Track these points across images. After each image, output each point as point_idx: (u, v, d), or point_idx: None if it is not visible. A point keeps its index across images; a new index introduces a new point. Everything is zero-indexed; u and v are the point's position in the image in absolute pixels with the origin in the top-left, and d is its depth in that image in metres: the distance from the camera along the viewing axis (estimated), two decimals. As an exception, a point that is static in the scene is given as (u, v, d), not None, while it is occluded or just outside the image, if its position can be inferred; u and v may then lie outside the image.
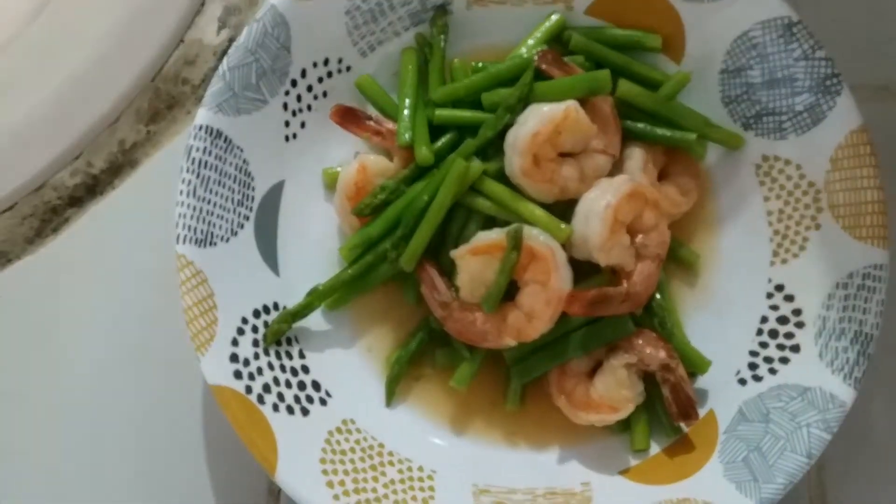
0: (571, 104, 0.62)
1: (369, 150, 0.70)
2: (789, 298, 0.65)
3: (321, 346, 0.66)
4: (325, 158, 0.70)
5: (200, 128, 0.63)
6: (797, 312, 0.64)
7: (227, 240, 0.64)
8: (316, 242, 0.68)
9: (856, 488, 0.67)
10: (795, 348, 0.63)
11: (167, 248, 0.63)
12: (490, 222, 0.65)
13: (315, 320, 0.67)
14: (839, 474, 0.68)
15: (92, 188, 0.75)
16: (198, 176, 0.63)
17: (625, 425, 0.65)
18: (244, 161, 0.66)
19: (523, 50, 0.68)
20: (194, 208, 0.63)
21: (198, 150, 0.63)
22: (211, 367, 0.60)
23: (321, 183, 0.70)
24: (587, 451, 0.65)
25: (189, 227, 0.62)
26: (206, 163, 0.63)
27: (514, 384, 0.65)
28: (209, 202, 0.63)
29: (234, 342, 0.62)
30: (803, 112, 0.65)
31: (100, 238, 0.74)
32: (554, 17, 0.69)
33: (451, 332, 0.64)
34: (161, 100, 0.75)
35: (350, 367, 0.66)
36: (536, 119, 0.63)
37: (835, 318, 0.62)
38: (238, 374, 0.61)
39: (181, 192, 0.62)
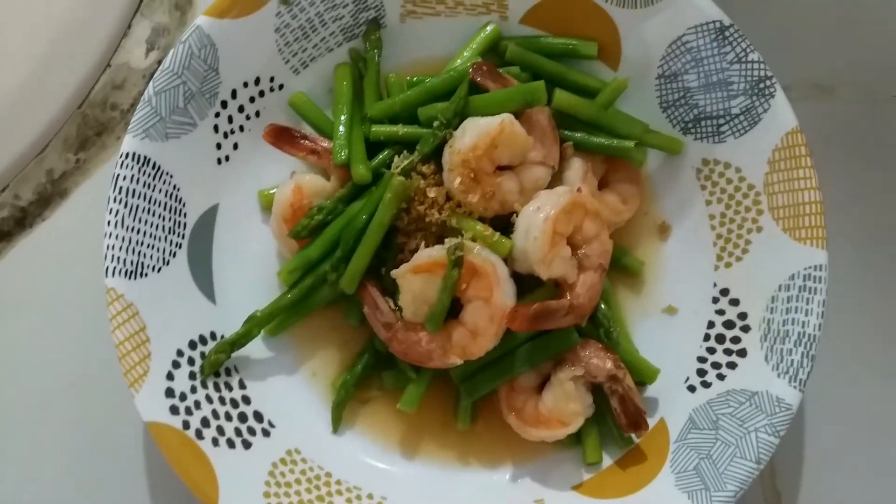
0: (506, 117, 0.62)
1: (307, 170, 0.68)
2: (734, 302, 0.65)
3: (263, 374, 0.65)
4: (261, 180, 0.68)
5: (127, 155, 0.61)
6: (743, 316, 0.64)
7: (159, 269, 0.62)
8: (254, 267, 0.67)
9: (809, 491, 0.68)
10: (742, 352, 0.63)
11: (101, 281, 0.60)
12: (431, 239, 0.63)
13: (256, 348, 0.65)
14: (792, 479, 0.68)
15: (21, 221, 0.72)
16: (125, 205, 0.61)
17: (576, 439, 0.64)
18: (174, 187, 0.64)
19: (459, 62, 0.67)
20: (123, 239, 0.61)
21: (124, 178, 0.61)
22: (146, 404, 0.59)
23: (258, 205, 0.68)
24: (540, 467, 0.64)
25: (118, 259, 0.60)
26: (133, 191, 0.62)
27: (463, 403, 0.64)
28: (138, 231, 0.62)
29: (170, 376, 0.60)
30: (739, 115, 0.65)
31: (31, 272, 0.71)
32: (489, 28, 0.68)
33: (397, 353, 0.63)
34: (89, 126, 0.72)
35: (294, 394, 0.65)
36: (473, 133, 0.62)
37: (779, 321, 0.62)
38: (174, 410, 0.59)
39: (108, 223, 0.61)
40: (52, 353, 0.69)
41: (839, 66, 0.75)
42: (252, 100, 0.67)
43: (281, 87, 0.68)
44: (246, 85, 0.67)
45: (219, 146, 0.66)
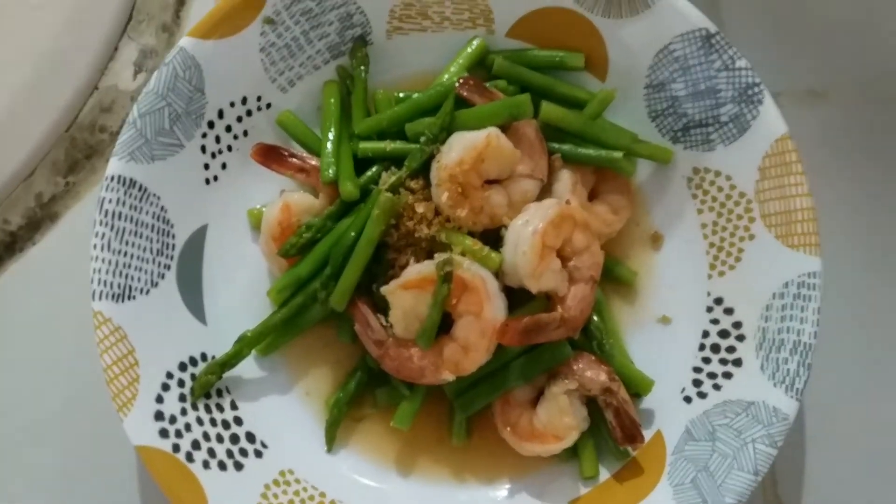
0: (492, 131, 0.61)
1: (296, 188, 0.68)
2: (729, 311, 0.64)
3: (255, 394, 0.64)
4: (250, 199, 0.68)
5: (112, 178, 0.61)
6: (737, 325, 0.63)
7: (147, 292, 0.62)
8: (245, 287, 0.67)
9: (811, 499, 0.67)
10: (738, 362, 0.62)
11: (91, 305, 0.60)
12: (421, 254, 0.63)
13: (247, 368, 0.65)
14: (794, 487, 0.67)
15: (10, 246, 0.72)
16: (112, 228, 0.61)
17: (573, 452, 0.63)
18: (162, 208, 0.64)
19: (446, 77, 0.67)
20: (110, 262, 0.60)
21: (110, 201, 0.61)
22: (135, 428, 0.58)
23: (247, 225, 0.68)
24: (537, 482, 0.63)
25: (105, 283, 0.60)
26: (120, 214, 0.61)
27: (458, 419, 0.64)
28: (125, 254, 0.61)
29: (159, 399, 0.60)
30: (728, 122, 0.64)
31: (21, 297, 0.71)
32: (475, 42, 0.68)
33: (389, 370, 0.62)
34: (78, 150, 0.72)
35: (287, 414, 0.64)
36: (459, 147, 0.62)
37: (774, 329, 0.61)
38: (164, 433, 0.59)
39: (95, 247, 0.60)
40: (43, 379, 0.69)
41: (831, 71, 0.75)
42: (239, 119, 0.67)
43: (268, 105, 0.68)
44: (233, 104, 0.67)
45: (206, 166, 0.66)
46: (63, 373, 0.69)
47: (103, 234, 0.61)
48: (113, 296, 0.60)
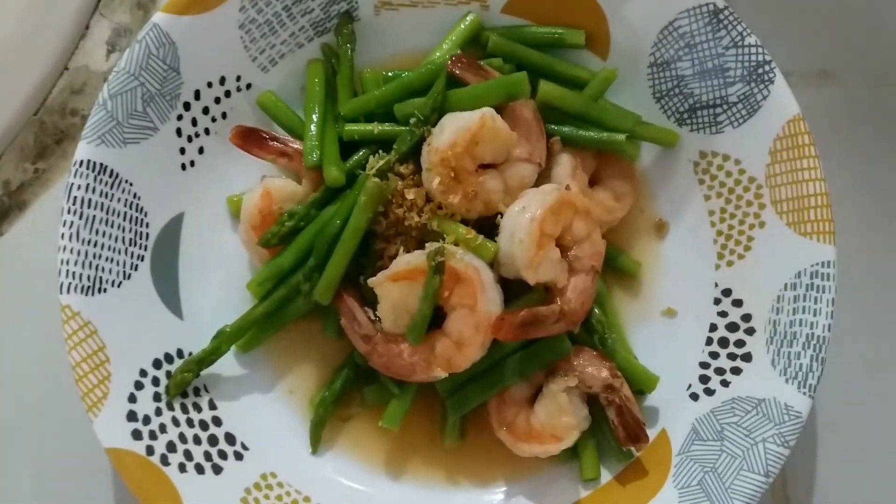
0: (487, 111, 0.58)
1: (278, 174, 0.65)
2: (737, 303, 0.61)
3: (235, 393, 0.61)
4: (229, 185, 0.65)
5: (81, 163, 0.58)
6: (747, 318, 0.60)
7: (119, 284, 0.59)
8: (224, 279, 0.64)
9: (822, 500, 0.64)
10: (747, 357, 0.60)
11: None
12: (411, 244, 0.60)
13: (227, 365, 0.62)
14: (804, 486, 0.64)
15: (-23, 235, 0.68)
16: (81, 216, 0.58)
17: (573, 453, 0.61)
18: (135, 196, 0.60)
19: (437, 55, 0.64)
20: (79, 252, 0.57)
21: (79, 187, 0.58)
22: (105, 429, 0.55)
23: (226, 213, 0.65)
24: (535, 484, 0.61)
25: (74, 275, 0.57)
26: (89, 201, 0.58)
27: (450, 418, 0.61)
28: (96, 244, 0.58)
29: (132, 398, 0.57)
30: (738, 103, 0.61)
31: (-11, 289, 0.68)
32: (469, 18, 0.65)
33: (377, 367, 0.59)
34: (48, 134, 0.68)
35: (269, 413, 0.62)
36: (451, 129, 0.58)
37: (785, 322, 0.59)
38: (137, 434, 0.56)
39: (63, 236, 0.57)
40: (12, 376, 0.65)
41: (843, 50, 0.72)
42: (217, 100, 0.64)
43: (248, 86, 0.65)
44: (210, 85, 0.63)
45: (183, 151, 0.63)
46: (33, 370, 0.65)
47: (72, 223, 0.57)
48: (82, 288, 0.57)
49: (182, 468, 0.56)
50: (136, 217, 0.60)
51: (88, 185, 0.58)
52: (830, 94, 0.71)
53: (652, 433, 0.60)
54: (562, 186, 0.60)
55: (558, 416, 0.58)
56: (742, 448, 0.57)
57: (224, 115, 0.64)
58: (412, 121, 0.60)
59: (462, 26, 0.65)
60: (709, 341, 0.61)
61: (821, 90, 0.71)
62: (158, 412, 0.57)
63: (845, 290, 0.59)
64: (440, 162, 0.58)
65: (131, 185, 0.60)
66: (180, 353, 0.60)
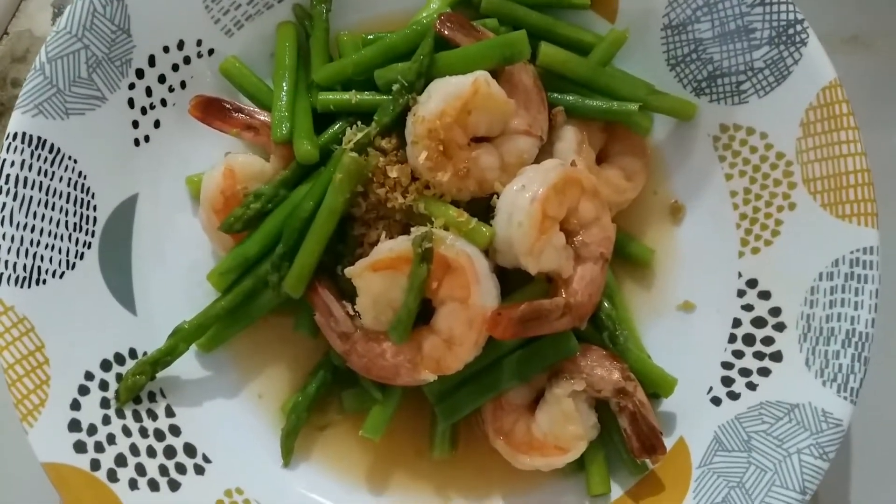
0: (480, 75, 0.52)
1: (243, 150, 0.59)
2: (765, 295, 0.56)
3: (197, 398, 0.56)
4: (189, 163, 0.60)
5: (15, 136, 0.52)
6: (776, 312, 0.55)
7: (61, 275, 0.53)
8: (182, 269, 0.58)
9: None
10: (777, 356, 0.54)
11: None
12: (395, 228, 0.54)
13: (187, 367, 0.56)
14: (836, 499, 0.59)
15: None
16: (15, 197, 0.52)
17: (578, 465, 0.56)
18: (79, 174, 0.55)
19: (424, 15, 0.58)
20: (13, 238, 0.52)
21: (13, 164, 0.52)
22: (42, 440, 0.50)
23: (186, 194, 0.60)
24: (536, 500, 0.56)
25: (7, 264, 0.51)
26: (25, 180, 0.52)
27: (440, 427, 0.56)
28: (34, 229, 0.52)
29: (75, 405, 0.51)
30: (764, 69, 0.56)
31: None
32: (460, -25, 0.59)
33: (357, 368, 0.54)
34: (-13, 107, 0.62)
35: (235, 421, 0.56)
36: (440, 96, 0.52)
37: (821, 317, 0.53)
38: (80, 447, 0.51)
39: (-6, 220, 0.52)
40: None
41: (877, 15, 0.66)
42: (175, 68, 0.58)
43: (211, 51, 0.59)
44: (167, 50, 0.58)
45: (136, 124, 0.57)
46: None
47: (4, 205, 0.52)
48: (17, 279, 0.51)
49: (133, 485, 0.51)
50: (82, 198, 0.55)
51: (24, 161, 0.52)
52: (864, 61, 0.66)
53: (669, 443, 0.55)
54: (566, 162, 0.54)
55: (563, 424, 0.53)
56: (773, 460, 0.51)
57: (183, 85, 0.59)
58: (395, 88, 0.54)
59: (453, -16, 0.59)
60: (732, 338, 0.56)
61: (852, 58, 0.66)
62: (106, 421, 0.52)
63: (889, 279, 0.53)
64: (427, 134, 0.52)
65: (75, 161, 0.54)
66: (133, 354, 0.55)
